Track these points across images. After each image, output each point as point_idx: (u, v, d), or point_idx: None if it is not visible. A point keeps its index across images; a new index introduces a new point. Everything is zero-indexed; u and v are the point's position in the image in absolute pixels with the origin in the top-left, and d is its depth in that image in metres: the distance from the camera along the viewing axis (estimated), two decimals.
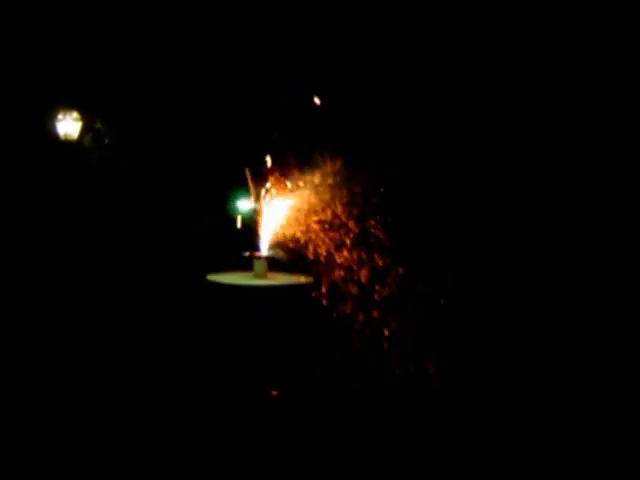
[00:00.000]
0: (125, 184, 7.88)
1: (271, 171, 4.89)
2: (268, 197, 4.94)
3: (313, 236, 4.94)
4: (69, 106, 8.36)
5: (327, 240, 4.96)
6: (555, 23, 5.12)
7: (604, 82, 5.02)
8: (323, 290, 5.02)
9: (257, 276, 4.89)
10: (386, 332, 4.81)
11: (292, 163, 4.84)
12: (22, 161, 7.82)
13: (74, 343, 5.78)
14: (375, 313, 4.87)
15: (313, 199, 4.82)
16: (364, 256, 4.92)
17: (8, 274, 6.78)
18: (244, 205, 5.10)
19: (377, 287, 4.93)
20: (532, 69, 5.14)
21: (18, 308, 6.29)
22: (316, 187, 4.81)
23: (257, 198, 4.96)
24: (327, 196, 4.82)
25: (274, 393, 4.42)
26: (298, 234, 4.97)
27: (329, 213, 4.89)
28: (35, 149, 8.01)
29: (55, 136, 8.26)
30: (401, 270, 4.89)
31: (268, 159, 4.93)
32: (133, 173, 7.69)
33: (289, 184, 4.89)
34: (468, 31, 5.25)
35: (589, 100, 5.04)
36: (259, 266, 4.90)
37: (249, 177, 4.93)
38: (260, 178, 4.89)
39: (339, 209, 4.86)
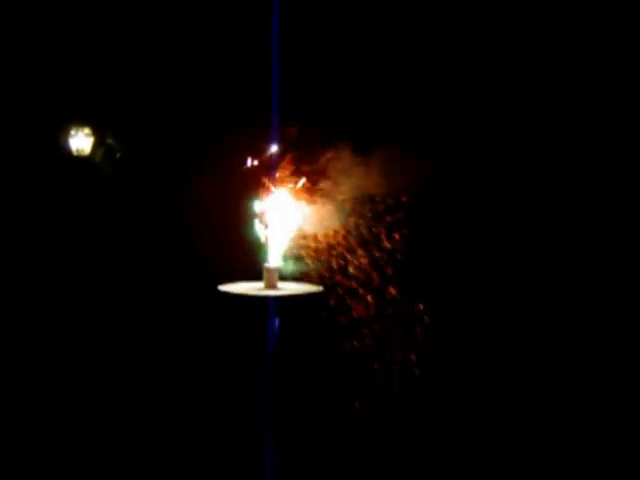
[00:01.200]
0: (134, 196, 7.96)
1: (282, 173, 4.92)
2: (278, 201, 4.96)
3: (323, 243, 4.97)
4: (81, 122, 8.47)
5: (333, 247, 4.99)
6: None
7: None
8: (331, 300, 5.05)
9: (267, 286, 4.93)
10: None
11: (298, 168, 4.87)
12: (36, 176, 7.90)
13: (76, 344, 5.81)
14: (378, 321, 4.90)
15: (321, 204, 4.85)
16: (370, 262, 4.95)
17: (14, 280, 6.86)
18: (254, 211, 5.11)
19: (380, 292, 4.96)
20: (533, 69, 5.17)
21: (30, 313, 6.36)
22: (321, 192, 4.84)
23: (265, 203, 4.99)
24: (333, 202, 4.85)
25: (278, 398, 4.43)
26: (309, 242, 5.00)
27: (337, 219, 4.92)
28: (48, 164, 8.09)
29: (68, 151, 8.37)
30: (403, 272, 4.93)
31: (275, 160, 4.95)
32: (141, 183, 7.77)
33: (298, 188, 4.92)
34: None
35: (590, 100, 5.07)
36: (269, 276, 4.94)
37: (258, 181, 4.96)
38: (269, 180, 4.92)
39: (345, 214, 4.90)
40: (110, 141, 8.53)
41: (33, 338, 5.88)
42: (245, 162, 5.22)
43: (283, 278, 5.12)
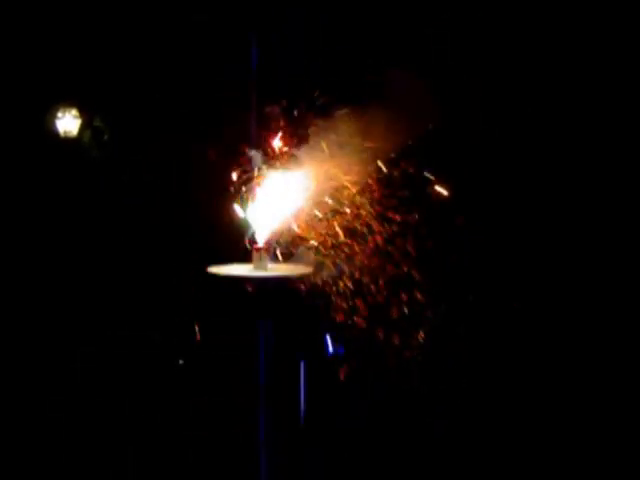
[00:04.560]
0: (123, 179, 7.85)
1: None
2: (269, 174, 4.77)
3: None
4: (69, 103, 8.34)
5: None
6: None
7: None
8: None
9: (257, 267, 4.77)
10: None
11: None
12: (22, 159, 7.76)
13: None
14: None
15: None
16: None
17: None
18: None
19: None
20: None
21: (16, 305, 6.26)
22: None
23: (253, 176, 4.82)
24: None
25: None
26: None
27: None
28: (34, 147, 7.96)
29: (55, 133, 8.26)
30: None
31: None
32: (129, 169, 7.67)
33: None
34: None
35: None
36: (259, 257, 4.77)
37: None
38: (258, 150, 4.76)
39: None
40: (98, 123, 8.38)
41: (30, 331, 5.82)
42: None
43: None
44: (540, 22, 5.17)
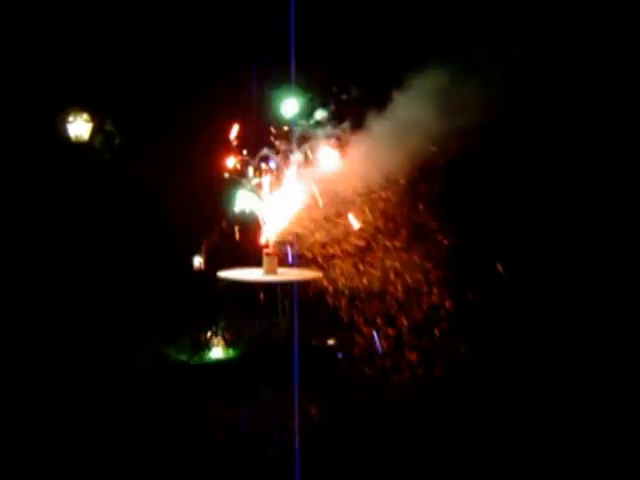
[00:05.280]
0: (133, 183, 7.89)
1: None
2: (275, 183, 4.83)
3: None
4: (80, 108, 8.37)
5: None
6: None
7: None
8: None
9: (268, 272, 4.85)
10: None
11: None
12: (33, 163, 7.82)
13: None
14: None
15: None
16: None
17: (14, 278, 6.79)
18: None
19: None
20: None
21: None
22: None
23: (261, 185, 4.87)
24: None
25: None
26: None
27: None
28: (45, 151, 8.00)
29: (66, 138, 8.28)
30: None
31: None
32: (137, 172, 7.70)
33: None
34: None
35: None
36: (269, 262, 4.85)
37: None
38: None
39: None
40: (109, 127, 8.43)
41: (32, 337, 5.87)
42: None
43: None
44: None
